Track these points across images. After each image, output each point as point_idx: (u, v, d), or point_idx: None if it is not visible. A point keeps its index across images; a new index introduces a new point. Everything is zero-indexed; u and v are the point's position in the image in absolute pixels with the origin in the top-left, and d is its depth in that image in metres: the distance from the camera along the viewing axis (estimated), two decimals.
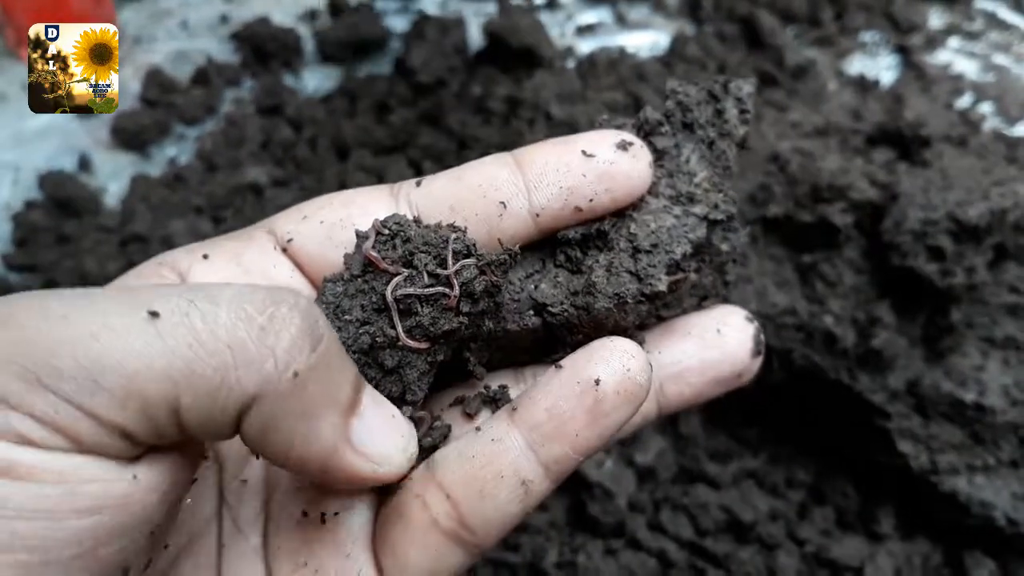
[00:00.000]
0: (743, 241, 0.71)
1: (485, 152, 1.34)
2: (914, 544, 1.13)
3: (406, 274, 0.60)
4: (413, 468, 0.63)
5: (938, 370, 1.07)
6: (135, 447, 0.48)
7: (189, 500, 0.62)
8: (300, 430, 0.51)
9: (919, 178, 1.09)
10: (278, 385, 0.49)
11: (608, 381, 0.60)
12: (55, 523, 0.44)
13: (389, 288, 0.60)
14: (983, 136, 1.37)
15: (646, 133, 0.70)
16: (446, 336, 0.62)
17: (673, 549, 1.14)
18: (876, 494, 1.17)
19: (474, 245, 0.61)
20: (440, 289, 0.60)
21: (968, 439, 1.07)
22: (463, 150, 1.44)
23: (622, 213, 0.67)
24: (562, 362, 0.62)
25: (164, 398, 0.46)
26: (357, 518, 0.63)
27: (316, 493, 0.63)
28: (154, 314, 0.46)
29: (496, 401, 0.68)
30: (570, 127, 1.44)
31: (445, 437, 0.66)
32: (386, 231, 0.62)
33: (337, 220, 0.65)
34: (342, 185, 1.42)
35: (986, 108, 1.55)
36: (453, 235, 0.61)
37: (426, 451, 0.65)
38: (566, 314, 0.66)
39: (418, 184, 0.67)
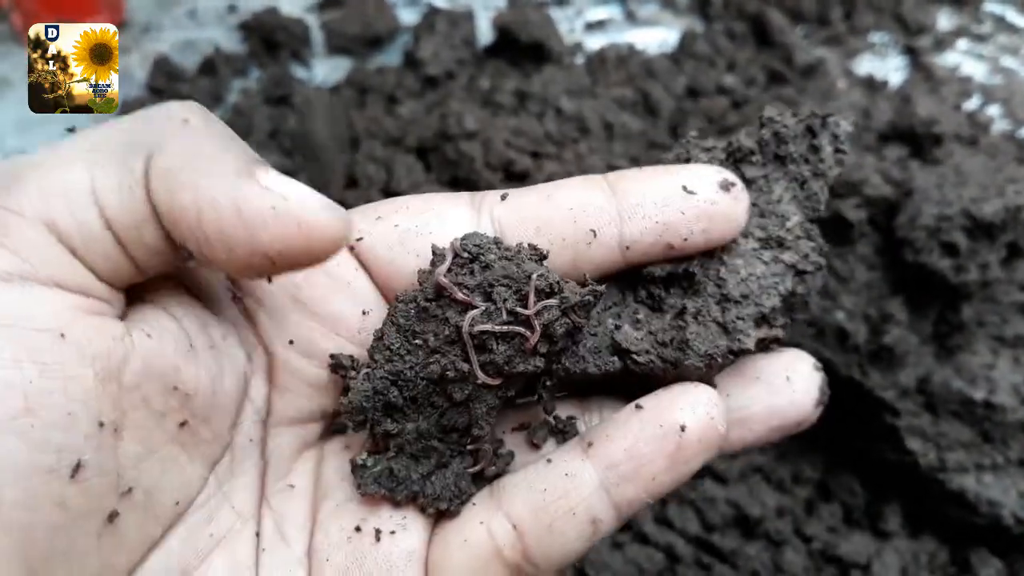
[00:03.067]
0: (819, 284, 0.67)
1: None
2: (921, 542, 1.13)
3: (483, 308, 0.57)
4: (474, 493, 0.63)
5: (948, 368, 1.07)
6: (68, 270, 0.50)
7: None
8: (203, 167, 0.50)
9: (933, 175, 1.09)
10: (174, 129, 0.51)
11: (692, 428, 0.58)
12: None
13: (466, 322, 0.57)
14: (992, 137, 1.37)
15: (736, 160, 0.68)
16: (520, 376, 0.60)
17: (680, 544, 1.13)
18: (883, 491, 1.17)
19: (558, 283, 0.58)
20: (519, 329, 0.57)
21: (977, 437, 1.07)
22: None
23: (711, 253, 0.64)
24: (642, 402, 0.61)
25: (79, 182, 0.50)
26: (413, 539, 0.61)
27: (372, 508, 0.62)
28: (70, 129, 0.53)
29: (564, 432, 0.65)
30: (579, 121, 1.43)
31: (508, 464, 0.64)
32: (465, 254, 0.59)
33: (413, 226, 0.63)
34: (350, 176, 1.41)
35: (994, 110, 1.55)
36: (537, 272, 0.57)
37: (489, 479, 0.63)
38: (651, 365, 0.63)
39: (503, 198, 0.64)
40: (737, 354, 0.62)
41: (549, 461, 0.61)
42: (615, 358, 0.64)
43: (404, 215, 0.63)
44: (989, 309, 1.07)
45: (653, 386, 0.62)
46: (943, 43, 1.67)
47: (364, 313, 0.63)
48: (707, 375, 0.63)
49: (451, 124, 1.39)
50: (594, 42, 1.68)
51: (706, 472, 1.20)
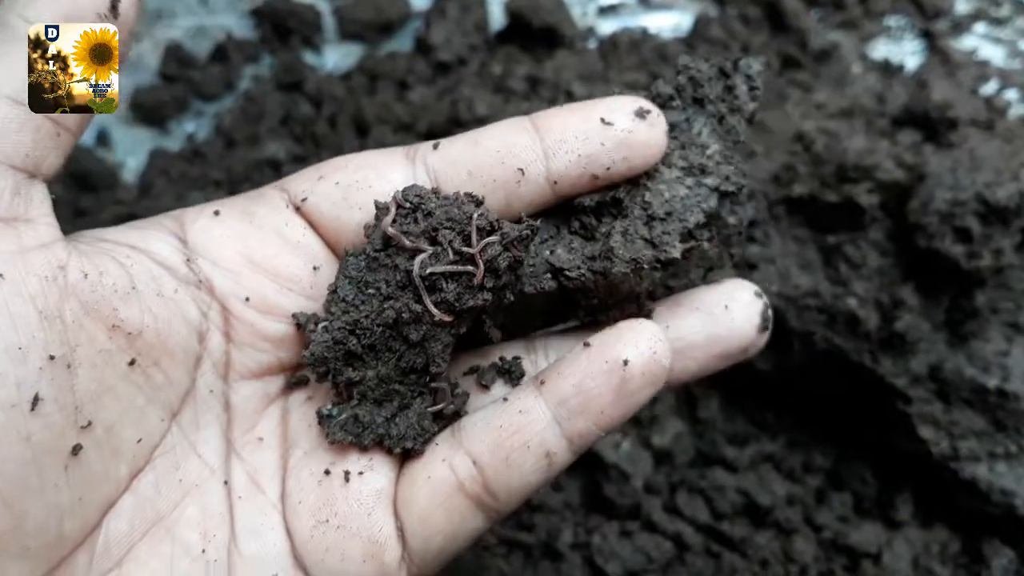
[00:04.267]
0: (749, 214, 0.73)
1: None
2: (932, 531, 1.12)
3: (430, 251, 0.61)
4: (436, 432, 0.66)
5: (961, 355, 1.06)
6: None
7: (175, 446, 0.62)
8: None
9: (947, 159, 1.08)
10: None
11: (635, 362, 0.62)
12: None
13: (416, 265, 0.61)
14: (1009, 121, 1.35)
15: (658, 107, 0.70)
16: (470, 311, 0.63)
17: (689, 532, 1.13)
18: (895, 480, 1.16)
19: (497, 221, 0.62)
20: (467, 268, 0.61)
21: (990, 426, 1.05)
22: None
23: (636, 181, 0.68)
24: (590, 340, 0.64)
25: None
26: (380, 479, 0.64)
27: (340, 452, 0.65)
28: None
29: (510, 372, 0.70)
30: None
31: (464, 403, 0.68)
32: (407, 204, 0.62)
33: (353, 182, 0.66)
34: None
35: (1012, 95, 1.52)
36: (477, 211, 0.61)
37: (449, 418, 0.67)
38: (583, 278, 0.67)
39: (435, 147, 0.67)
40: (666, 264, 0.67)
41: (505, 399, 0.65)
42: (548, 276, 0.68)
43: (344, 173, 0.67)
44: (1003, 295, 1.06)
45: (594, 307, 0.68)
46: (960, 27, 1.65)
47: (315, 269, 0.67)
48: (638, 285, 0.67)
49: (462, 110, 1.39)
50: (607, 26, 1.67)
51: (716, 460, 1.20)
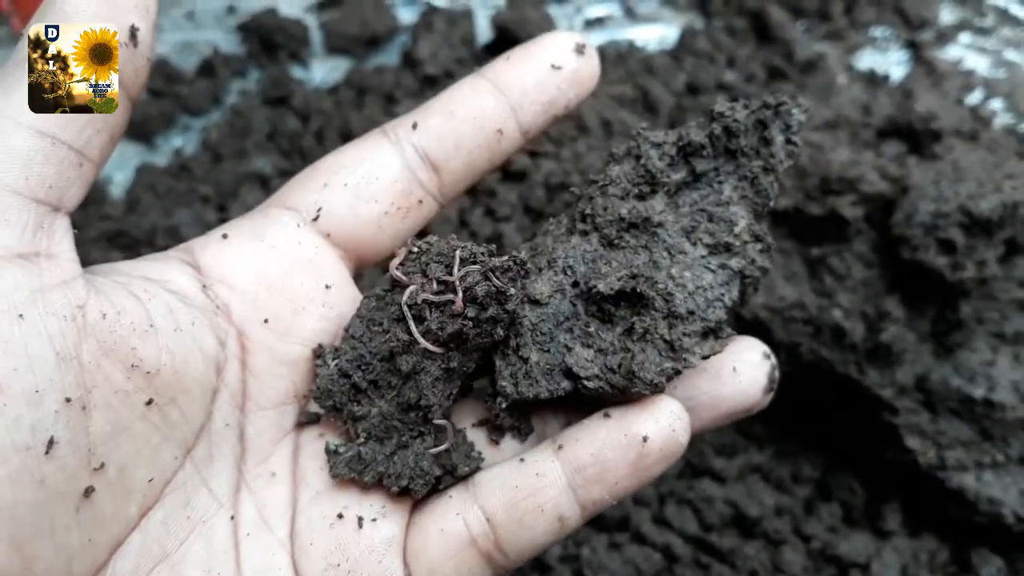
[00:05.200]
0: (767, 265, 0.70)
1: None
2: (921, 541, 1.12)
3: (420, 284, 0.63)
4: (451, 485, 0.67)
5: (947, 365, 1.06)
6: None
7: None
8: None
9: (930, 171, 1.08)
10: None
11: (655, 439, 0.63)
12: None
13: (404, 296, 0.63)
14: (993, 132, 1.35)
15: (686, 154, 0.70)
16: (454, 339, 0.63)
17: (678, 543, 1.13)
18: (883, 490, 1.16)
19: (482, 253, 0.64)
20: (447, 296, 0.62)
21: (977, 435, 1.06)
22: None
23: (658, 264, 0.67)
24: (611, 411, 0.65)
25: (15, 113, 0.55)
26: (392, 526, 0.65)
27: (352, 497, 0.65)
28: None
29: (519, 428, 0.70)
30: (577, 119, 1.43)
31: (478, 466, 0.68)
32: (416, 250, 0.67)
33: (360, 179, 0.69)
34: None
35: (996, 104, 1.53)
36: (461, 245, 0.64)
37: (462, 478, 0.68)
38: (600, 390, 0.66)
39: (414, 127, 0.71)
40: (682, 372, 0.65)
41: (522, 460, 0.66)
42: (567, 382, 0.67)
43: (346, 174, 0.70)
44: (988, 306, 1.06)
45: (602, 404, 0.67)
46: (945, 37, 1.66)
47: (327, 287, 0.68)
48: (656, 392, 0.66)
49: None
50: (593, 39, 1.67)
51: (704, 472, 1.20)
